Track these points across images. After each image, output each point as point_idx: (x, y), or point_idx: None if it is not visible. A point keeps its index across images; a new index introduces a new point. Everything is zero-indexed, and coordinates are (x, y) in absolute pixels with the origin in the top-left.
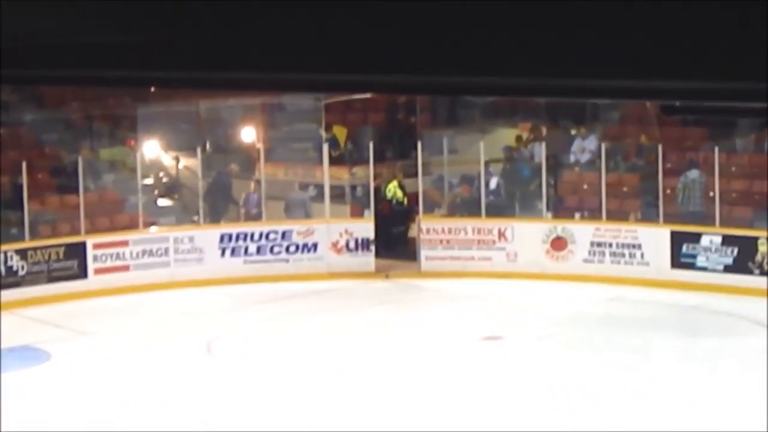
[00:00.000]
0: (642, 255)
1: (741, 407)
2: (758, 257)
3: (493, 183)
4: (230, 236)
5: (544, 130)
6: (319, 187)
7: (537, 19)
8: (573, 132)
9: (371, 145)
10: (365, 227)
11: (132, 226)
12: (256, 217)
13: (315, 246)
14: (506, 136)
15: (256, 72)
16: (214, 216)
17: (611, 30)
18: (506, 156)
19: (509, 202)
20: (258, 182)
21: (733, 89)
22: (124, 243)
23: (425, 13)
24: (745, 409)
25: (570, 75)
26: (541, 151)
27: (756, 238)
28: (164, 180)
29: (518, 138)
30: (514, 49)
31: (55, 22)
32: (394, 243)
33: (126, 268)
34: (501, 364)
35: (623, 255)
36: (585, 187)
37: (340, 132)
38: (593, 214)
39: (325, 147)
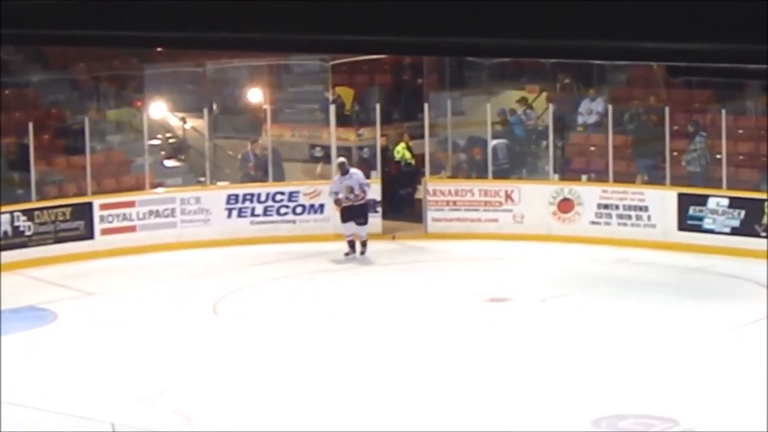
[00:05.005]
0: (649, 217)
1: (743, 372)
2: (765, 219)
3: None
4: (237, 197)
5: (557, 89)
6: (326, 149)
7: None
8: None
9: (378, 106)
10: (372, 188)
11: (138, 186)
12: (254, 178)
13: (322, 207)
14: (513, 97)
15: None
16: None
17: None
18: (501, 119)
19: (513, 165)
20: (255, 142)
21: (739, 51)
22: (131, 204)
23: None
24: (747, 373)
25: (577, 36)
26: (533, 114)
27: (763, 201)
28: (171, 141)
29: (522, 99)
30: (523, 11)
31: None
32: (401, 204)
33: (132, 228)
34: (506, 326)
35: (630, 217)
36: (592, 148)
37: (346, 93)
38: (600, 176)
39: (332, 108)
